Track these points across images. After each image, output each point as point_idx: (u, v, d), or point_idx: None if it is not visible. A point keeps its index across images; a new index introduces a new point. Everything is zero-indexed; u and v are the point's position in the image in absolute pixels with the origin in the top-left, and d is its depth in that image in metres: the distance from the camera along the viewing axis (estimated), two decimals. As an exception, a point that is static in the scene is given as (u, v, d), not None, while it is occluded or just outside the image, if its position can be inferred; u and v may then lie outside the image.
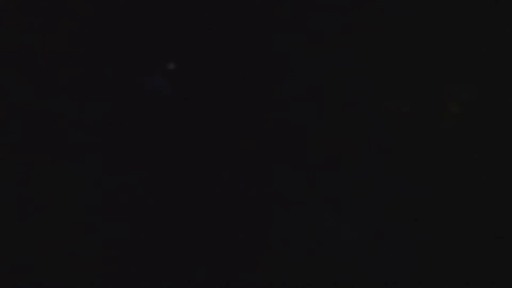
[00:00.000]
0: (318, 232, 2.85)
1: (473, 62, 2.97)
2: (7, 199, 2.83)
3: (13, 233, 2.79)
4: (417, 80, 2.98)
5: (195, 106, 2.98)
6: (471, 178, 2.88)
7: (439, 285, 2.74)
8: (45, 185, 2.86)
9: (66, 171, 2.88)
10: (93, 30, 2.96)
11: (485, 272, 2.75)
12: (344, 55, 2.99)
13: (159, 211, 2.87)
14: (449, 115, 2.95)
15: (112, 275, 2.77)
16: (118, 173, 2.90)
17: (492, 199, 2.85)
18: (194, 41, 3.00)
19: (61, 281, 2.74)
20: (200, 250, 2.83)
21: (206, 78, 3.00)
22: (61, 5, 2.95)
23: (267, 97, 2.99)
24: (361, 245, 2.82)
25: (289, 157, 2.94)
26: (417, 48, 2.99)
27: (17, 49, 2.94)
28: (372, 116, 2.96)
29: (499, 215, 2.82)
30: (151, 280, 2.77)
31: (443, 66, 2.98)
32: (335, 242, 2.83)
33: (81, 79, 2.95)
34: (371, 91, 2.98)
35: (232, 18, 2.99)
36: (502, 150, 2.90)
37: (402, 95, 2.97)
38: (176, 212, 2.88)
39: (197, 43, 3.00)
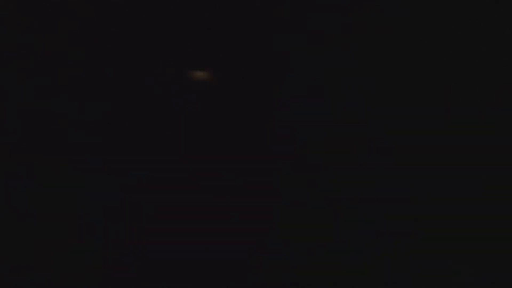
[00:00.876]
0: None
1: (473, 61, 2.97)
2: (7, 199, 2.83)
3: (13, 233, 2.79)
4: (416, 79, 2.98)
5: (198, 105, 2.98)
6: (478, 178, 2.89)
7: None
8: (45, 185, 2.86)
9: (66, 171, 2.88)
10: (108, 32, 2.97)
11: (485, 272, 2.75)
12: (344, 55, 2.99)
13: (161, 212, 2.88)
14: (448, 114, 2.96)
15: (112, 275, 2.78)
16: (120, 173, 2.90)
17: (492, 199, 2.85)
18: (194, 41, 3.00)
19: (61, 281, 2.74)
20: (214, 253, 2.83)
21: (206, 78, 3.00)
22: (63, 5, 2.95)
23: (269, 97, 2.99)
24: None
25: (293, 157, 2.95)
26: (417, 48, 2.99)
27: (17, 49, 2.94)
28: (372, 116, 2.96)
29: (499, 215, 2.83)
30: (151, 280, 2.78)
31: (444, 65, 2.98)
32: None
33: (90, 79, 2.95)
34: (372, 91, 2.98)
35: (232, 18, 2.99)
36: (501, 151, 2.90)
37: (402, 95, 2.98)
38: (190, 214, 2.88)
39: (197, 43, 3.00)
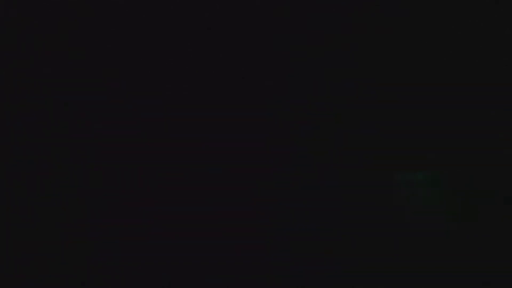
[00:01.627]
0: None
1: (472, 62, 2.97)
2: (7, 199, 2.83)
3: (13, 233, 2.80)
4: (414, 79, 2.99)
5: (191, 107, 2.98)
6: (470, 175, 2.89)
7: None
8: (45, 185, 2.86)
9: (66, 171, 2.88)
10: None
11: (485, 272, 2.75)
12: (344, 55, 2.99)
13: (160, 213, 2.88)
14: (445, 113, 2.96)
15: (111, 275, 2.78)
16: (118, 173, 2.90)
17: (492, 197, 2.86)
18: (194, 40, 3.00)
19: (60, 281, 2.75)
20: (200, 250, 2.83)
21: (205, 78, 3.00)
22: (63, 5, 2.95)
23: (267, 96, 2.99)
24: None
25: (286, 158, 2.95)
26: (416, 48, 2.99)
27: (17, 49, 2.95)
28: (372, 117, 2.97)
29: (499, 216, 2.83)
30: (150, 281, 2.78)
31: (443, 66, 2.98)
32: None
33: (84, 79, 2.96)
34: (371, 92, 2.98)
35: (232, 18, 2.99)
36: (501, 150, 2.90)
37: (401, 95, 2.98)
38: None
39: (196, 43, 3.00)
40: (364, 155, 2.93)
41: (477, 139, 2.92)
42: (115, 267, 2.79)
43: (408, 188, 2.88)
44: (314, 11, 3.00)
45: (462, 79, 2.97)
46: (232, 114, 2.97)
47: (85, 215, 2.84)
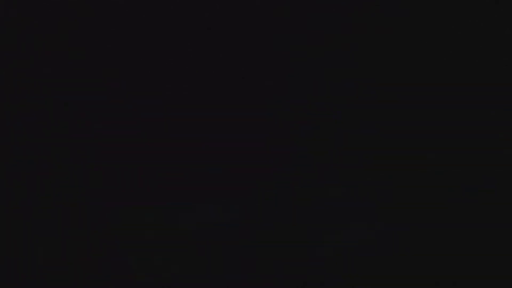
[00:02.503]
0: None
1: (472, 61, 2.97)
2: (7, 199, 2.83)
3: (13, 233, 2.79)
4: (414, 79, 2.98)
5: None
6: (468, 174, 2.89)
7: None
8: (45, 185, 2.86)
9: (66, 171, 2.88)
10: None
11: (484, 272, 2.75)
12: (344, 55, 2.99)
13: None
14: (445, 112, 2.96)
15: (111, 274, 2.78)
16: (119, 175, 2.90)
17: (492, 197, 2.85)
18: (194, 40, 3.00)
19: (60, 281, 2.74)
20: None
21: (205, 78, 3.00)
22: (65, 7, 2.95)
23: (267, 96, 2.99)
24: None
25: (288, 157, 2.95)
26: (416, 48, 2.99)
27: (18, 49, 2.94)
28: (371, 116, 2.96)
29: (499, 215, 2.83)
30: (150, 280, 2.78)
31: (444, 65, 2.98)
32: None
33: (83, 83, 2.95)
34: (370, 92, 2.98)
35: (232, 18, 2.99)
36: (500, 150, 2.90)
37: (401, 95, 2.97)
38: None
39: (196, 43, 3.00)
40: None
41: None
42: (114, 266, 2.79)
43: None
44: (314, 11, 3.00)
45: (462, 79, 2.97)
46: (232, 114, 2.96)
47: (85, 215, 2.84)
